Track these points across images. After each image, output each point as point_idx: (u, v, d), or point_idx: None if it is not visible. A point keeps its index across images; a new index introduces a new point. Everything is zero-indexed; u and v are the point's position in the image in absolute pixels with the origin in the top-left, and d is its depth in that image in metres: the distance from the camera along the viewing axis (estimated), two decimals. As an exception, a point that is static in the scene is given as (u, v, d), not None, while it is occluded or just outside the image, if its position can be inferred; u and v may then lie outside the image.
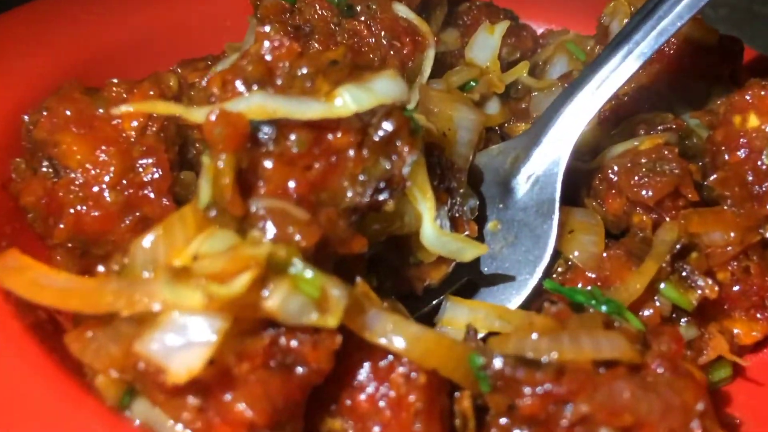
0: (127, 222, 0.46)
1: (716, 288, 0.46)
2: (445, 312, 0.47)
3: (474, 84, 0.59)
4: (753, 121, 0.49)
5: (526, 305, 0.48)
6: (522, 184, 0.52)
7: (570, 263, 0.49)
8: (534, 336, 0.36)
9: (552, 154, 0.51)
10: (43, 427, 0.33)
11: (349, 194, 0.39)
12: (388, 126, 0.39)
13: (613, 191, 0.52)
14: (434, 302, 0.48)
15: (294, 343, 0.34)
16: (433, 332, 0.36)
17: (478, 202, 0.51)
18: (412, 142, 0.40)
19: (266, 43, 0.38)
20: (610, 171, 0.52)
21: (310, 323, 0.34)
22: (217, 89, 0.37)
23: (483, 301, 0.48)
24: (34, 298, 0.34)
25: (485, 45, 0.62)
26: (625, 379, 0.35)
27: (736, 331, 0.52)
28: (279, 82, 0.39)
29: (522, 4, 0.75)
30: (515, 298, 0.48)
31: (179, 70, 0.61)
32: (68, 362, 0.36)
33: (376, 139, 0.40)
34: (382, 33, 0.55)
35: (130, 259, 0.35)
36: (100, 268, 0.36)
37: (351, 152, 0.39)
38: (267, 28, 0.41)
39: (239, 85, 0.38)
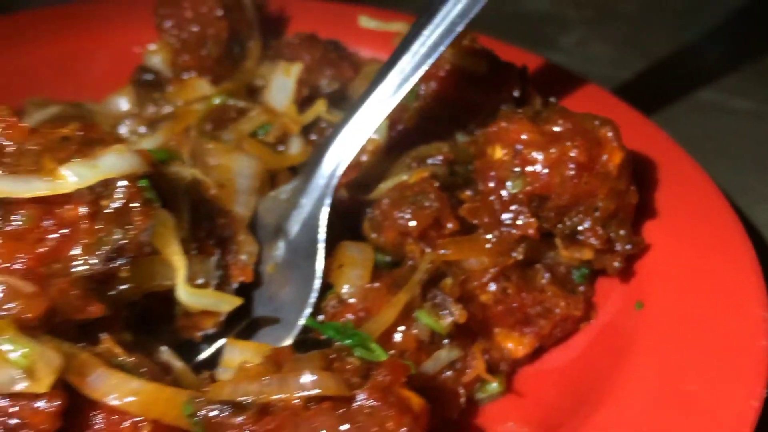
0: None
1: (465, 313, 0.52)
2: (224, 354, 0.52)
3: (267, 129, 0.64)
4: (498, 152, 0.55)
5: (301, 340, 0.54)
6: (294, 226, 0.57)
7: (339, 297, 0.55)
8: (246, 382, 0.41)
9: (317, 195, 0.56)
10: None
11: (81, 264, 0.44)
12: (118, 197, 0.44)
13: (387, 222, 0.57)
14: (218, 345, 0.54)
15: (14, 409, 0.39)
16: (153, 386, 0.42)
17: (257, 248, 0.56)
18: (146, 211, 0.45)
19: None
20: (383, 203, 0.58)
21: (22, 390, 0.38)
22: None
23: (255, 342, 0.53)
24: None
25: (282, 87, 0.67)
26: (327, 414, 0.41)
27: (509, 345, 0.58)
28: (7, 160, 0.43)
29: (349, 33, 0.80)
30: (286, 337, 0.54)
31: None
32: None
33: (109, 210, 0.44)
34: None
35: None
36: None
37: (83, 225, 0.44)
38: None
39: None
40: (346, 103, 0.71)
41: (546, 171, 0.53)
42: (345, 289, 0.54)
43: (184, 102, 0.69)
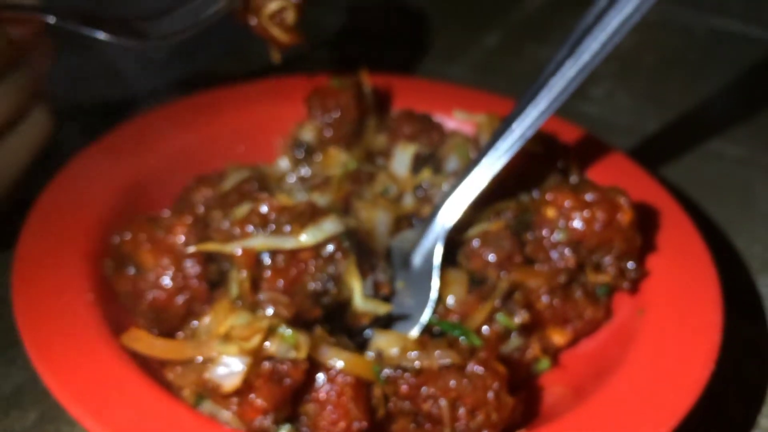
0: (181, 299, 0.83)
1: (528, 316, 0.83)
2: (372, 339, 0.84)
3: (390, 189, 0.96)
4: (550, 213, 0.86)
5: (423, 331, 0.85)
6: (417, 258, 0.89)
7: (446, 306, 0.86)
8: (408, 354, 0.73)
9: (433, 239, 0.88)
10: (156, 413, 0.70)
11: (311, 286, 0.76)
12: (331, 249, 0.76)
13: (474, 256, 0.88)
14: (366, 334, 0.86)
15: (284, 368, 0.71)
16: (357, 356, 0.73)
17: (392, 272, 0.88)
18: (345, 254, 0.77)
19: (264, 207, 0.75)
20: (472, 243, 0.89)
21: (290, 357, 0.70)
22: (238, 229, 0.74)
23: (393, 331, 0.85)
24: (150, 353, 0.71)
25: (401, 160, 0.99)
26: (453, 374, 0.72)
27: (555, 337, 0.89)
28: (272, 226, 0.76)
29: (437, 106, 1.11)
30: (413, 329, 0.85)
31: (194, 183, 0.97)
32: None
33: (325, 255, 0.76)
34: None
35: (197, 329, 0.72)
36: (180, 334, 0.73)
37: (311, 264, 0.76)
38: (265, 195, 0.77)
39: (250, 227, 0.75)
40: (434, 163, 1.02)
41: (582, 226, 0.84)
42: (450, 299, 0.86)
43: (328, 165, 1.00)
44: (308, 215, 0.76)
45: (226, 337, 0.68)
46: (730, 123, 1.41)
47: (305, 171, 1.02)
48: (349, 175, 0.97)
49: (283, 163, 1.03)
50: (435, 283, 0.86)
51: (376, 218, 0.89)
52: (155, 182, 0.97)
